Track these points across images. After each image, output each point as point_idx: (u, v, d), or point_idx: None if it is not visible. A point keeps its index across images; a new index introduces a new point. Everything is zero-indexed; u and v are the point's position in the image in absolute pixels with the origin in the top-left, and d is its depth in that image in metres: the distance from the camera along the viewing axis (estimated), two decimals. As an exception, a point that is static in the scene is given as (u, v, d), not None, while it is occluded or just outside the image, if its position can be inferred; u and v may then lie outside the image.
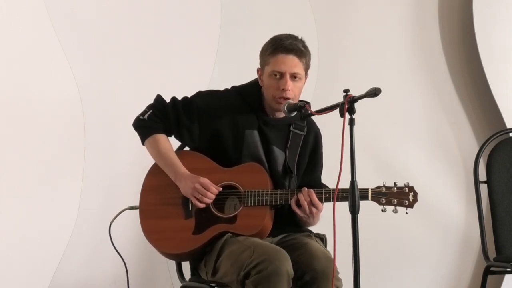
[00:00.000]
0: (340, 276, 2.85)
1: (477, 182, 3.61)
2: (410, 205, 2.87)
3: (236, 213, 2.92)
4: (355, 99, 2.55)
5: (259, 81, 3.04)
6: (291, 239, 2.99)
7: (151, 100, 3.09)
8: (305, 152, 3.09)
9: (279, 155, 3.03)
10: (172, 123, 3.03)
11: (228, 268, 2.81)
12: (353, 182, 2.53)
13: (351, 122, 2.53)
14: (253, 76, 3.11)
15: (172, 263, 3.24)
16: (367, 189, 2.86)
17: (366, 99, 2.55)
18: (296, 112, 2.92)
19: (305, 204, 2.88)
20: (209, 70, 3.94)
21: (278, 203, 2.92)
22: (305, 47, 2.98)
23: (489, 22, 4.25)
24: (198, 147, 3.04)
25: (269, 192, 2.91)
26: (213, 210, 2.93)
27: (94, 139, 3.69)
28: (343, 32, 4.26)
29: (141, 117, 3.04)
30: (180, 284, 3.13)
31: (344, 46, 4.25)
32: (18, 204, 3.53)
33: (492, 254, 3.54)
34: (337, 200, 2.75)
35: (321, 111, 2.72)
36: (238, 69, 3.89)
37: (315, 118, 3.00)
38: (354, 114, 2.54)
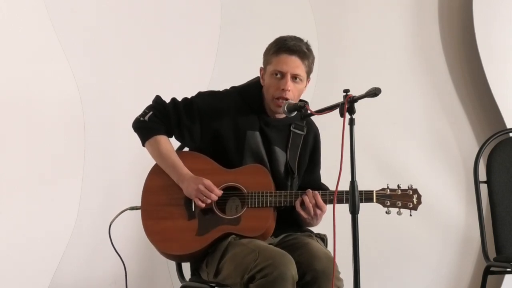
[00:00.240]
0: (340, 276, 2.85)
1: (477, 182, 3.61)
2: (414, 207, 2.88)
3: (240, 214, 2.92)
4: (355, 99, 2.54)
5: (261, 80, 3.04)
6: (292, 239, 2.99)
7: (151, 101, 3.08)
8: (305, 152, 3.09)
9: (281, 156, 3.03)
10: (173, 124, 3.02)
11: (231, 270, 2.80)
12: (353, 182, 2.53)
13: (351, 122, 2.53)
14: (253, 76, 3.12)
15: (172, 263, 3.23)
16: (372, 191, 2.87)
17: (366, 99, 2.55)
18: (296, 112, 2.92)
19: (310, 206, 2.89)
20: (209, 70, 3.94)
21: (283, 204, 2.92)
22: (309, 50, 2.98)
23: (489, 22, 4.25)
24: (199, 148, 3.04)
25: (273, 194, 2.91)
26: (216, 211, 2.93)
27: (94, 139, 3.69)
28: (343, 32, 4.26)
29: (141, 119, 3.03)
30: (180, 284, 3.13)
31: (344, 46, 4.25)
32: (18, 204, 3.53)
33: (492, 254, 3.54)
34: (341, 202, 2.76)
35: (321, 111, 2.72)
36: (238, 69, 3.90)
37: (315, 118, 2.99)
38: (354, 114, 2.54)
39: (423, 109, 4.33)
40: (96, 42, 3.74)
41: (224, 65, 3.96)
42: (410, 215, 2.87)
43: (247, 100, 3.04)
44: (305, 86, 3.02)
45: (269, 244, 2.92)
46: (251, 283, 2.72)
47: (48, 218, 3.58)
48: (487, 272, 3.52)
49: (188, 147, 3.12)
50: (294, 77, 2.95)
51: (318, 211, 2.90)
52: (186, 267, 3.13)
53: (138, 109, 3.07)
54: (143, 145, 3.05)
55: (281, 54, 2.95)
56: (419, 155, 4.27)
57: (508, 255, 3.50)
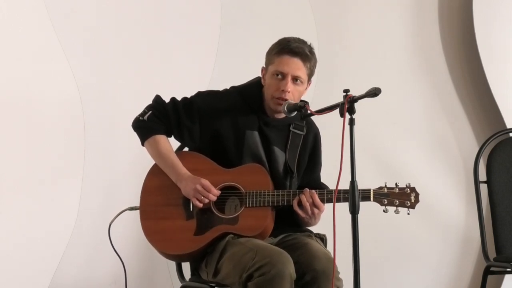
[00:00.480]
0: (340, 276, 2.85)
1: (477, 182, 3.61)
2: (412, 206, 2.87)
3: (238, 214, 2.92)
4: (355, 99, 2.55)
5: (262, 80, 3.05)
6: (291, 239, 2.99)
7: (151, 100, 3.08)
8: (305, 152, 3.09)
9: (280, 156, 3.03)
10: (172, 123, 3.03)
11: (230, 269, 2.81)
12: (353, 182, 2.53)
13: (351, 122, 2.53)
14: (253, 76, 3.12)
15: (172, 263, 3.23)
16: (369, 190, 2.86)
17: (366, 99, 2.55)
18: (296, 112, 2.92)
19: (307, 205, 2.88)
20: (209, 70, 3.94)
21: (280, 203, 2.92)
22: (312, 52, 2.99)
23: (489, 22, 4.25)
24: (198, 148, 3.04)
25: (271, 193, 2.91)
26: (214, 211, 2.93)
27: (94, 139, 3.69)
28: (343, 32, 4.26)
29: (140, 118, 3.03)
30: (180, 284, 3.13)
31: (344, 46, 4.25)
32: (18, 204, 3.53)
33: (492, 254, 3.54)
34: (339, 201, 2.76)
35: (321, 111, 2.72)
36: (238, 69, 3.90)
37: (315, 118, 3.00)
38: (354, 114, 2.54)
39: (423, 109, 4.32)
40: (96, 42, 3.74)
41: (224, 65, 3.96)
42: (408, 214, 2.85)
43: (247, 100, 3.04)
44: (306, 89, 3.02)
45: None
46: (249, 281, 2.73)
47: (48, 218, 3.58)
48: (487, 272, 3.52)
49: (187, 147, 3.12)
50: (295, 79, 2.96)
51: (316, 210, 2.89)
52: (186, 267, 3.13)
53: (138, 109, 3.07)
54: (143, 144, 3.05)
55: (283, 55, 2.95)
56: (419, 155, 4.27)
57: (508, 255, 3.50)
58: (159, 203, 2.98)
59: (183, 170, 2.96)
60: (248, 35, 4.04)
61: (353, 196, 2.52)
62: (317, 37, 4.07)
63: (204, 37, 3.96)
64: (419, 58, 4.34)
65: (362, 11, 4.28)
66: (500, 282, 4.20)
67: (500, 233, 3.55)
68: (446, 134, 4.33)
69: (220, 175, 2.95)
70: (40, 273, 3.57)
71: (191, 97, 3.07)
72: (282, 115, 3.00)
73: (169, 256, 3.01)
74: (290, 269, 2.72)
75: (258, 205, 2.90)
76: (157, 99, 3.08)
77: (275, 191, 2.93)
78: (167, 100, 3.07)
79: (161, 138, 3.02)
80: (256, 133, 3.01)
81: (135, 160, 3.56)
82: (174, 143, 3.11)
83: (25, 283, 3.53)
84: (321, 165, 3.16)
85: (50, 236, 3.58)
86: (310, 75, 3.01)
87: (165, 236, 2.94)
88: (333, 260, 2.68)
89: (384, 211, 2.86)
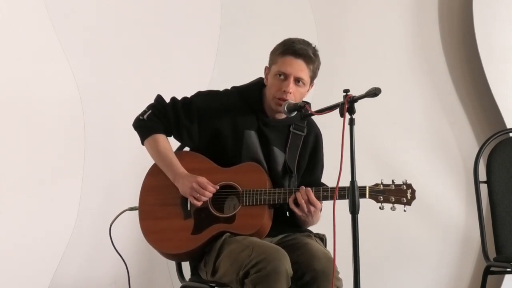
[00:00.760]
0: (340, 276, 2.85)
1: (477, 182, 3.61)
2: (408, 203, 2.85)
3: (234, 212, 2.92)
4: (355, 99, 2.55)
5: (265, 80, 3.05)
6: (291, 239, 2.99)
7: (151, 100, 3.09)
8: (305, 153, 3.09)
9: (279, 156, 3.03)
10: (171, 123, 3.03)
11: (227, 267, 2.81)
12: (353, 182, 2.53)
13: (351, 122, 2.53)
14: (253, 76, 3.12)
15: (172, 263, 3.24)
16: (365, 187, 2.86)
17: (366, 99, 2.55)
18: (296, 112, 2.92)
19: (302, 202, 2.88)
20: (209, 70, 3.94)
21: (276, 202, 2.92)
22: (316, 55, 2.99)
23: (489, 22, 4.25)
24: (198, 147, 3.05)
25: (267, 191, 2.91)
26: (212, 210, 2.93)
27: (94, 139, 3.69)
28: (343, 32, 4.26)
29: (140, 117, 3.04)
30: (180, 284, 3.13)
31: (344, 46, 4.25)
32: (18, 204, 3.53)
33: (492, 254, 3.54)
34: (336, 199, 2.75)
35: (321, 111, 2.72)
36: (238, 69, 3.90)
37: (315, 118, 3.00)
38: (354, 114, 2.54)
39: (423, 109, 4.32)
40: (96, 42, 3.74)
41: (224, 65, 3.96)
42: (404, 211, 2.84)
43: (247, 100, 3.05)
44: (308, 91, 3.02)
45: (268, 243, 2.92)
46: (246, 278, 2.73)
47: (48, 218, 3.58)
48: (487, 272, 3.52)
49: (187, 146, 3.12)
50: (297, 80, 2.96)
51: (312, 208, 2.89)
52: (186, 267, 3.13)
53: (138, 109, 3.07)
54: (142, 143, 3.06)
55: (286, 56, 2.95)
56: (419, 155, 4.27)
57: (508, 255, 3.50)
58: (157, 202, 2.98)
59: (181, 169, 2.96)
60: (248, 35, 4.04)
61: (353, 196, 2.52)
62: (317, 37, 4.07)
63: (204, 37, 3.97)
64: (419, 58, 4.34)
65: (362, 11, 4.28)
66: (500, 282, 4.20)
67: (500, 233, 3.55)
68: (446, 134, 4.33)
69: (218, 174, 2.95)
70: (40, 273, 3.57)
71: (191, 97, 3.08)
72: (283, 116, 3.00)
73: (167, 256, 3.02)
74: (286, 265, 2.73)
75: (254, 203, 2.90)
76: (158, 98, 3.08)
77: (271, 189, 2.93)
78: (168, 100, 3.07)
79: (160, 137, 3.03)
80: (254, 133, 3.01)
81: (135, 160, 3.56)
82: (174, 143, 3.11)
83: (25, 283, 3.53)
84: (322, 166, 3.15)
85: (50, 236, 3.58)
86: (313, 77, 3.01)
87: (163, 235, 2.95)
88: (333, 260, 2.67)
89: (380, 208, 2.84)
